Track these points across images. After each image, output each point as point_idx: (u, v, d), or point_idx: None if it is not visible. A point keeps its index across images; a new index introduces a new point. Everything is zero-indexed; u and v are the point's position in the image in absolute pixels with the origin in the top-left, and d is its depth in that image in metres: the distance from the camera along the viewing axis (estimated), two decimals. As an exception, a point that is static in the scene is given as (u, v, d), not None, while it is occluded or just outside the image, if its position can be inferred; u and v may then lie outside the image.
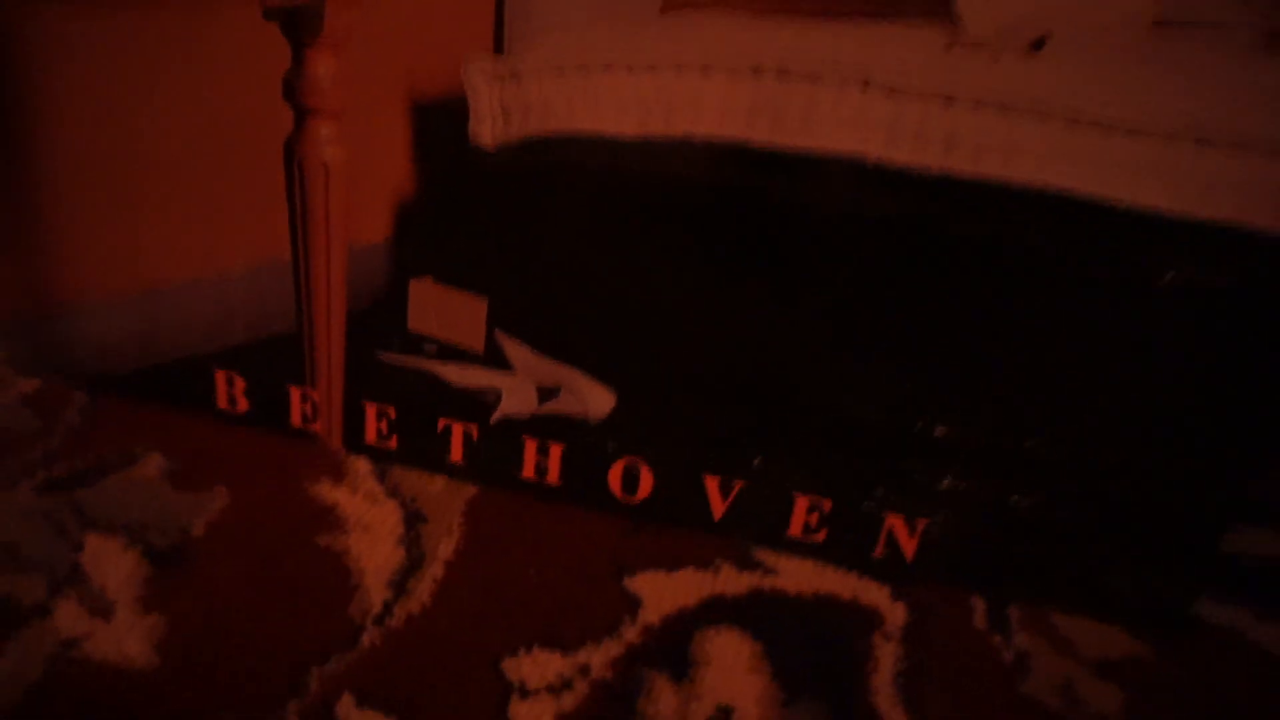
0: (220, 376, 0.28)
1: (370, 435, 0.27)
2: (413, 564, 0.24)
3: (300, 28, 0.23)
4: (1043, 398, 0.23)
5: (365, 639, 0.23)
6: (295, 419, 0.28)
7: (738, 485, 0.25)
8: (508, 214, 0.23)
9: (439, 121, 0.23)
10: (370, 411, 0.27)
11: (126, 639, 0.22)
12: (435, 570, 0.25)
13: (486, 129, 0.22)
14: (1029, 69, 0.20)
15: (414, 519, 0.26)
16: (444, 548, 0.25)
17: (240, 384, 0.28)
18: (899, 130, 0.21)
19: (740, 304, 0.23)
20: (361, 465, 0.27)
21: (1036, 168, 0.20)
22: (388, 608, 0.23)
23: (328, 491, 0.26)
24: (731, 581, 0.25)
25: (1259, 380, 0.21)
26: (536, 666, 0.22)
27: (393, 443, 0.27)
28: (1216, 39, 0.20)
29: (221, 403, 0.28)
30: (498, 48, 0.22)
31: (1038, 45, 0.20)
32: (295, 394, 0.27)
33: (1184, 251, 0.21)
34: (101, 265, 0.27)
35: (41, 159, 0.25)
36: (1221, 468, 0.23)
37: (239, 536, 0.25)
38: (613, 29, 0.21)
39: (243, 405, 0.28)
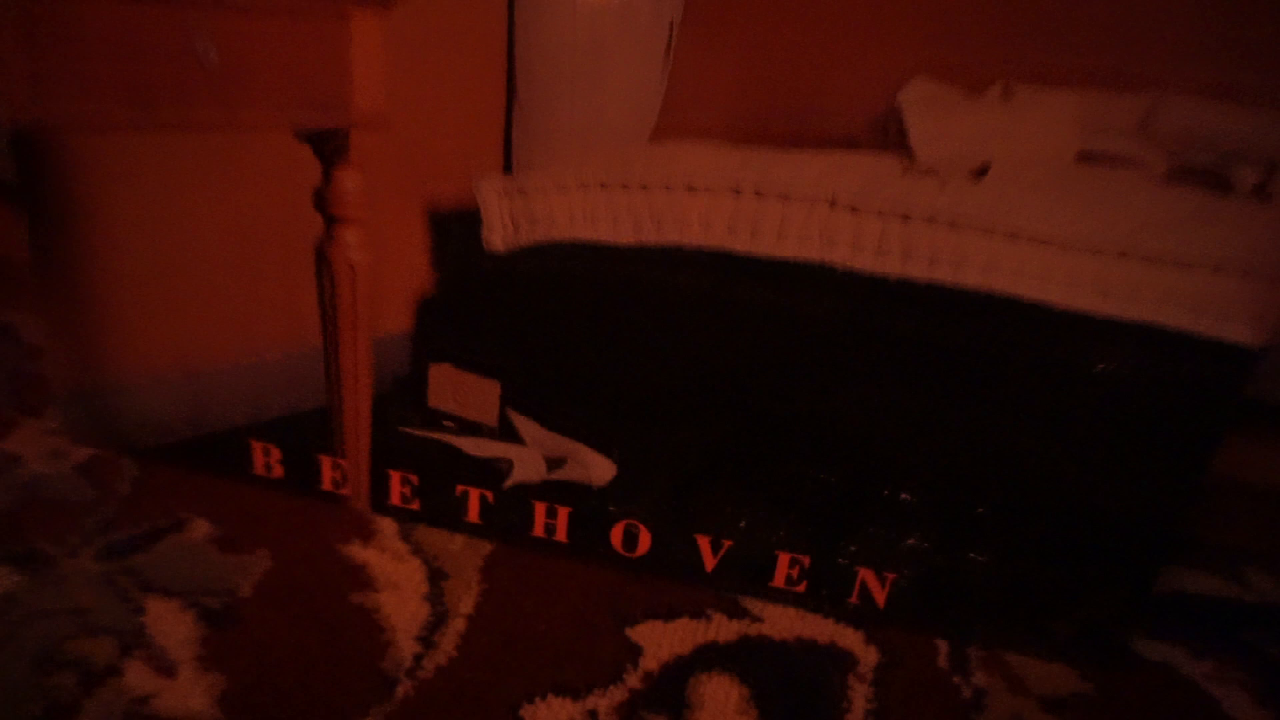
0: (257, 446, 0.30)
1: (395, 498, 0.30)
2: (437, 619, 0.27)
3: (329, 148, 0.26)
4: (994, 468, 0.25)
5: (399, 690, 0.25)
6: (326, 484, 0.30)
7: (726, 543, 0.28)
8: (517, 308, 0.26)
9: (454, 228, 0.26)
10: (395, 477, 0.30)
11: (191, 695, 0.25)
12: (458, 624, 0.27)
13: (498, 236, 0.25)
14: (973, 192, 0.23)
15: (437, 575, 0.29)
16: (464, 603, 0.28)
17: (276, 453, 0.31)
18: (862, 242, 0.23)
19: (724, 388, 0.26)
20: (388, 525, 0.30)
21: (983, 275, 0.23)
22: (418, 660, 0.26)
23: (358, 551, 0.29)
24: (722, 629, 0.28)
25: (1177, 447, 0.24)
26: (551, 713, 0.25)
27: (415, 505, 0.30)
28: (1129, 171, 0.23)
29: (258, 470, 0.31)
30: (506, 167, 0.25)
31: (980, 173, 0.23)
32: (326, 462, 0.30)
33: (1113, 346, 0.24)
34: (150, 349, 0.29)
35: (100, 256, 0.28)
36: (1149, 521, 0.25)
37: (282, 597, 0.28)
38: (608, 155, 0.24)
39: (278, 472, 0.31)
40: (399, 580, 0.28)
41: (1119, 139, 0.22)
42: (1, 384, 0.35)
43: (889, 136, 0.22)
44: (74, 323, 0.29)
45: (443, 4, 0.24)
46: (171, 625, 0.26)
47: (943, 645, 0.28)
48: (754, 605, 0.29)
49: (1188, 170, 0.22)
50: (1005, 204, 0.23)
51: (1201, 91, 0.21)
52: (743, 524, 0.27)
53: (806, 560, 0.28)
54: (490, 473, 0.29)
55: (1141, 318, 0.23)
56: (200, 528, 0.29)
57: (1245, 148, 0.21)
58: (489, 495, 0.29)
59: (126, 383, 0.30)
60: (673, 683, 0.26)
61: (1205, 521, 0.31)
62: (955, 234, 0.23)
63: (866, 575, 0.27)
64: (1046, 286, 0.23)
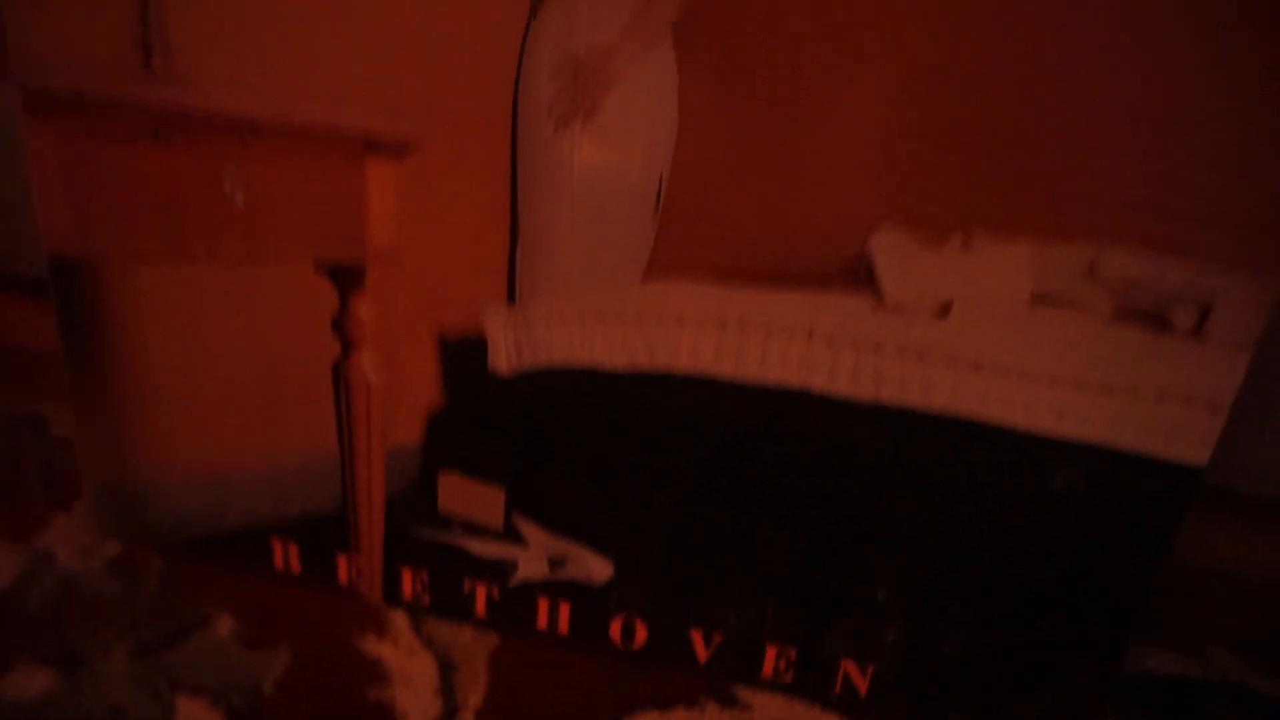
0: (277, 543, 0.32)
1: (407, 593, 0.32)
2: (448, 712, 0.29)
3: (346, 279, 0.28)
4: (966, 570, 0.27)
5: (412, 781, 0.27)
6: (343, 578, 0.32)
7: (718, 636, 0.30)
8: (520, 423, 0.28)
9: (462, 351, 0.28)
10: (407, 573, 0.31)
11: (219, 793, 0.26)
12: (467, 717, 0.29)
13: (503, 360, 0.27)
14: (938, 327, 0.25)
15: (447, 668, 0.30)
16: (473, 696, 0.30)
17: (295, 549, 0.32)
18: (838, 370, 0.25)
19: (713, 495, 0.28)
20: (400, 619, 0.32)
21: (949, 400, 0.25)
22: (430, 751, 0.28)
23: (373, 646, 0.31)
24: (715, 718, 0.30)
25: (1131, 549, 0.26)
26: (555, 804, 0.27)
27: (426, 599, 0.31)
28: (1078, 312, 0.25)
29: (278, 565, 0.32)
30: (510, 298, 0.27)
31: (943, 312, 0.25)
32: (342, 559, 0.32)
33: (1071, 462, 0.26)
34: (176, 451, 0.31)
35: (131, 358, 0.30)
36: (1112, 612, 0.27)
37: (303, 693, 0.29)
38: (604, 290, 0.26)
39: (296, 567, 0.32)
40: (412, 674, 0.30)
41: (1069, 283, 0.24)
42: (33, 477, 0.37)
43: (859, 277, 0.24)
44: (106, 429, 0.31)
45: (452, 154, 0.26)
46: (201, 724, 0.28)
47: (922, 731, 0.30)
48: (745, 694, 0.30)
49: (1131, 311, 0.24)
50: (968, 338, 0.25)
51: (1143, 242, 0.23)
52: (733, 619, 0.29)
53: (794, 652, 0.29)
54: (496, 571, 0.30)
55: (1095, 439, 0.25)
56: (225, 623, 0.31)
57: (1182, 292, 0.23)
58: (495, 591, 0.31)
59: (153, 481, 0.32)
60: (669, 772, 0.28)
61: (1170, 604, 0.32)
62: (922, 364, 0.25)
63: (849, 666, 0.29)
64: (1008, 411, 0.25)
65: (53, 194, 0.29)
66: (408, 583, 0.32)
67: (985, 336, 0.25)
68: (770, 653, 0.30)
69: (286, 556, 0.32)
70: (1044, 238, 0.23)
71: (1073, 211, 0.23)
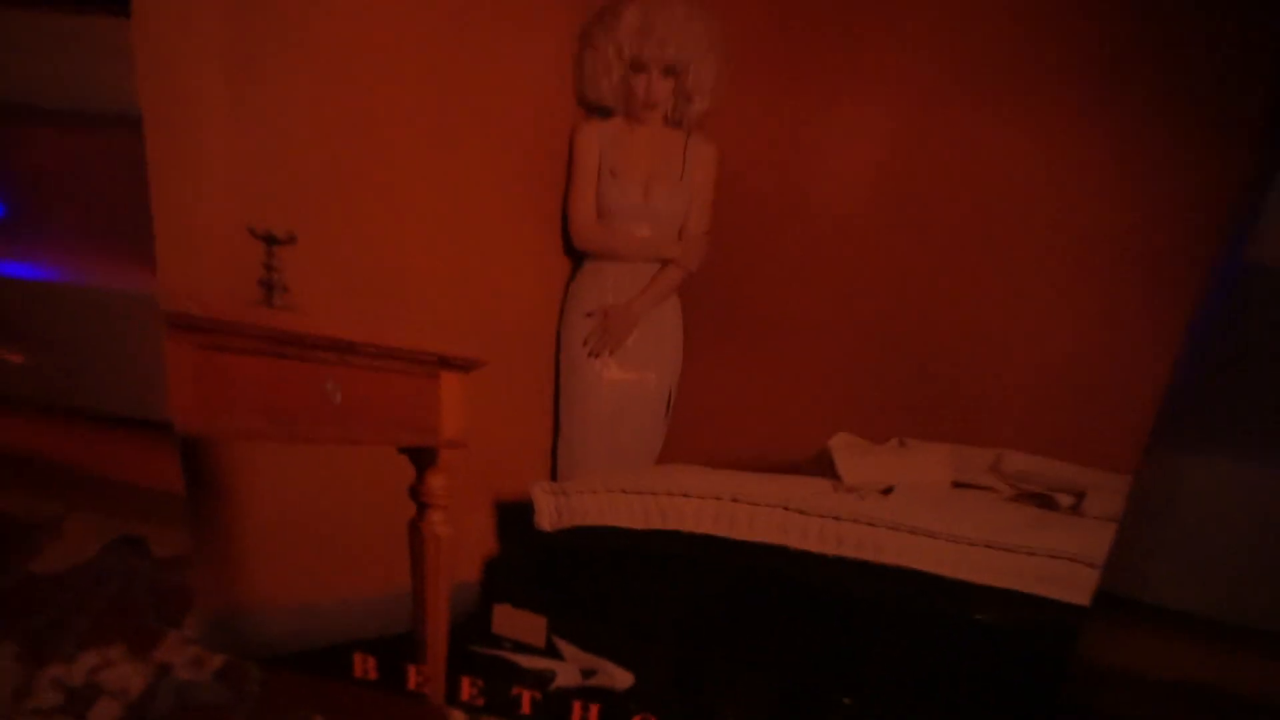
0: (358, 657, 0.39)
1: (465, 696, 0.38)
2: None
3: (422, 458, 0.35)
4: (910, 680, 0.34)
5: None
6: (412, 685, 0.39)
7: None
8: (560, 567, 0.35)
9: (513, 512, 0.35)
10: (465, 681, 0.38)
11: None
12: None
13: (546, 521, 0.34)
14: (883, 503, 0.32)
15: None
16: None
17: (372, 661, 0.39)
18: (808, 533, 0.32)
19: (713, 625, 0.35)
20: (459, 716, 0.39)
21: (896, 555, 0.32)
22: (489, 830, 0.35)
23: None
24: None
25: (1037, 668, 0.33)
26: None
27: (480, 702, 0.38)
28: (987, 493, 0.32)
29: (357, 674, 0.39)
30: (552, 475, 0.34)
31: (886, 492, 0.32)
32: (412, 669, 0.39)
33: (987, 602, 0.33)
34: (278, 583, 0.38)
35: (242, 513, 0.37)
36: (1027, 709, 0.35)
37: None
38: (627, 472, 0.33)
39: (374, 676, 0.39)
40: None
41: (979, 474, 0.31)
42: (143, 597, 0.43)
43: (823, 467, 0.32)
44: (216, 555, 0.38)
45: (511, 368, 0.33)
46: (308, 812, 0.35)
47: (883, 805, 0.37)
48: None
49: (1025, 495, 0.31)
50: (907, 511, 0.32)
51: (1032, 448, 0.30)
52: (729, 716, 0.36)
53: None
54: (538, 680, 0.37)
55: (1005, 585, 0.32)
56: None
57: (1063, 484, 0.31)
58: (538, 695, 0.38)
59: (256, 605, 0.39)
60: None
61: (1088, 698, 0.40)
62: (873, 530, 0.32)
63: None
64: (938, 564, 0.32)
65: (184, 390, 0.36)
66: (465, 688, 0.39)
67: (919, 510, 0.32)
68: None
69: (366, 667, 0.39)
70: (960, 442, 0.31)
71: (982, 426, 0.31)
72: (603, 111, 0.29)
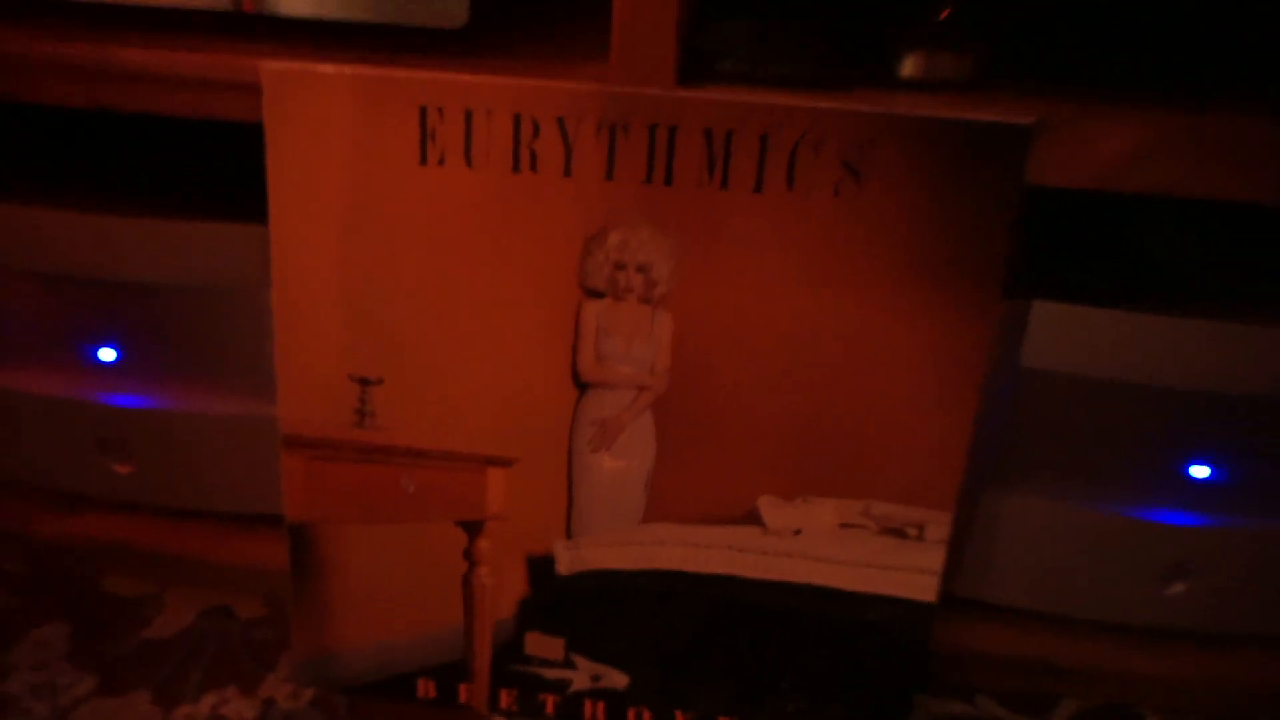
0: (421, 681, 0.52)
1: (503, 704, 0.51)
2: None
3: (473, 528, 0.48)
4: (826, 670, 0.49)
5: (525, 816, 0.47)
6: (462, 699, 0.52)
7: (692, 715, 0.51)
8: (575, 602, 0.49)
9: (540, 563, 0.48)
10: (503, 693, 0.51)
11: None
12: None
13: (564, 568, 0.48)
14: (796, 540, 0.47)
15: None
16: None
17: (432, 684, 0.52)
18: (747, 565, 0.47)
19: (686, 634, 0.49)
20: (498, 717, 0.52)
21: (807, 576, 0.46)
22: (531, 798, 0.47)
23: None
24: None
25: (908, 648, 0.48)
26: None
27: (515, 709, 0.51)
28: (862, 530, 0.47)
29: (420, 695, 0.52)
30: (567, 534, 0.48)
31: (797, 532, 0.47)
32: (463, 687, 0.52)
33: (875, 606, 0.48)
34: (356, 632, 0.51)
35: (326, 583, 0.50)
36: (898, 682, 0.49)
37: None
38: (619, 530, 0.48)
39: (433, 695, 0.52)
40: None
41: (856, 517, 0.46)
42: (239, 649, 0.55)
43: (753, 519, 0.46)
44: (308, 609, 0.51)
45: (538, 463, 0.47)
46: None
47: (811, 759, 0.51)
48: None
49: (886, 530, 0.46)
50: (811, 545, 0.47)
51: (888, 498, 0.46)
52: (701, 705, 0.50)
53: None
54: (559, 686, 0.51)
55: (880, 592, 0.47)
56: None
57: (909, 521, 0.46)
58: (558, 699, 0.51)
59: (340, 646, 0.52)
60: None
61: (951, 672, 0.55)
62: (790, 559, 0.47)
63: None
64: (836, 580, 0.47)
65: (295, 489, 0.49)
66: (504, 699, 0.52)
67: (819, 543, 0.47)
68: None
69: (427, 689, 0.52)
70: (842, 497, 0.46)
71: (855, 487, 0.46)
72: (598, 294, 0.43)
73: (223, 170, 0.59)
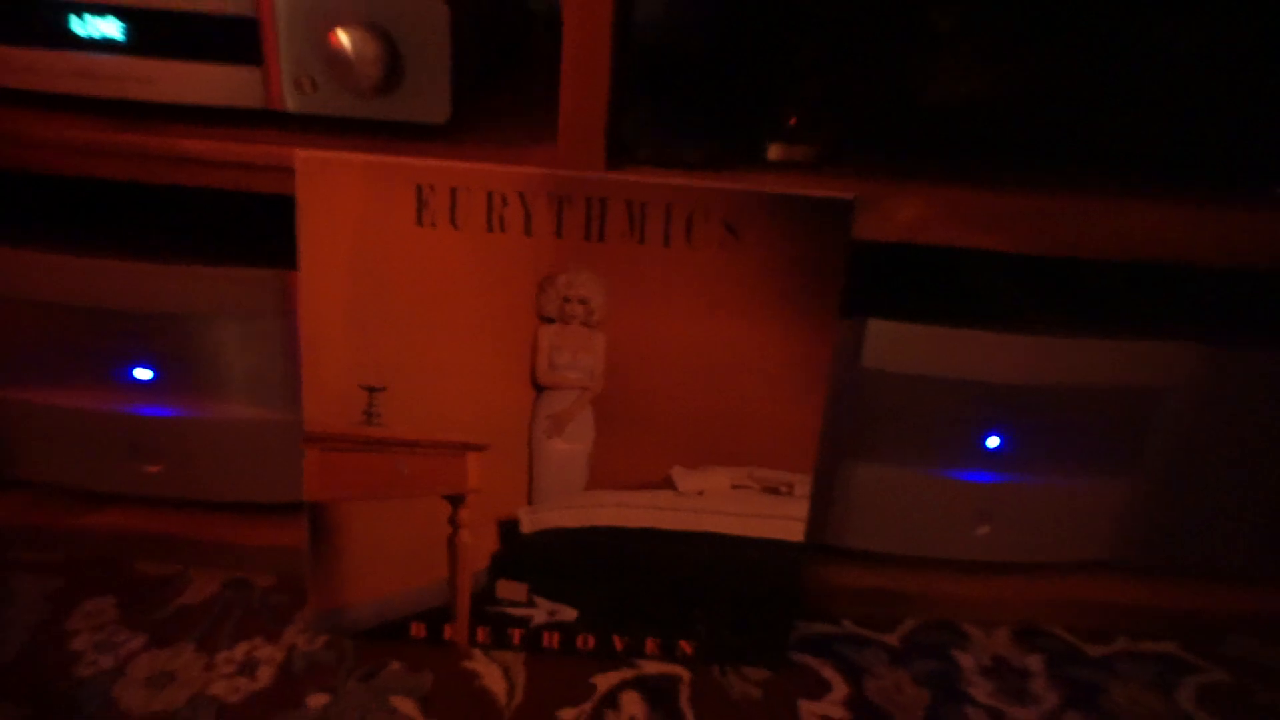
0: (414, 624, 0.66)
1: (480, 638, 0.65)
2: (510, 690, 0.63)
3: (456, 500, 0.63)
4: (724, 600, 0.65)
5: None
6: (447, 636, 0.66)
7: (626, 639, 0.66)
8: (535, 554, 0.63)
9: (508, 525, 0.63)
10: (480, 629, 0.66)
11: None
12: (518, 691, 0.63)
13: (526, 527, 0.62)
14: (701, 499, 0.62)
15: (505, 670, 0.64)
16: (519, 680, 0.64)
17: (423, 626, 0.66)
18: (665, 519, 0.63)
19: (623, 578, 0.65)
20: (478, 652, 0.65)
21: (711, 525, 0.63)
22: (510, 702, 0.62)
23: (467, 664, 0.65)
24: (625, 672, 0.65)
25: (785, 580, 0.64)
26: None
27: (489, 641, 0.66)
28: (751, 490, 0.64)
29: (414, 634, 0.66)
30: (529, 501, 0.63)
31: (700, 493, 0.63)
32: (447, 627, 0.66)
33: (760, 549, 0.64)
34: (362, 583, 0.64)
35: (337, 550, 0.63)
36: (778, 611, 0.65)
37: (438, 688, 0.63)
38: (568, 495, 0.63)
39: (424, 634, 0.66)
40: (487, 674, 0.64)
41: (744, 479, 0.62)
42: (260, 610, 0.68)
43: (669, 484, 0.62)
44: (322, 571, 0.64)
45: (507, 450, 0.61)
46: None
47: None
48: (640, 662, 0.66)
49: (766, 489, 0.62)
50: (712, 502, 0.63)
51: (771, 465, 0.62)
52: (631, 631, 0.65)
53: (654, 642, 0.66)
54: (523, 622, 0.65)
55: (764, 536, 0.63)
56: (394, 666, 0.64)
57: (781, 482, 0.62)
58: (522, 631, 0.65)
59: (349, 600, 0.65)
60: None
61: (823, 604, 0.71)
62: (697, 514, 0.63)
63: (680, 642, 0.66)
64: (731, 528, 0.63)
65: (313, 475, 0.62)
66: (481, 634, 0.66)
67: (718, 500, 0.63)
68: (649, 643, 0.66)
69: (419, 630, 0.65)
70: (732, 465, 0.62)
71: (741, 457, 0.62)
72: (550, 320, 0.59)
73: (241, 220, 0.72)
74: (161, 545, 0.72)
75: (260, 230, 0.68)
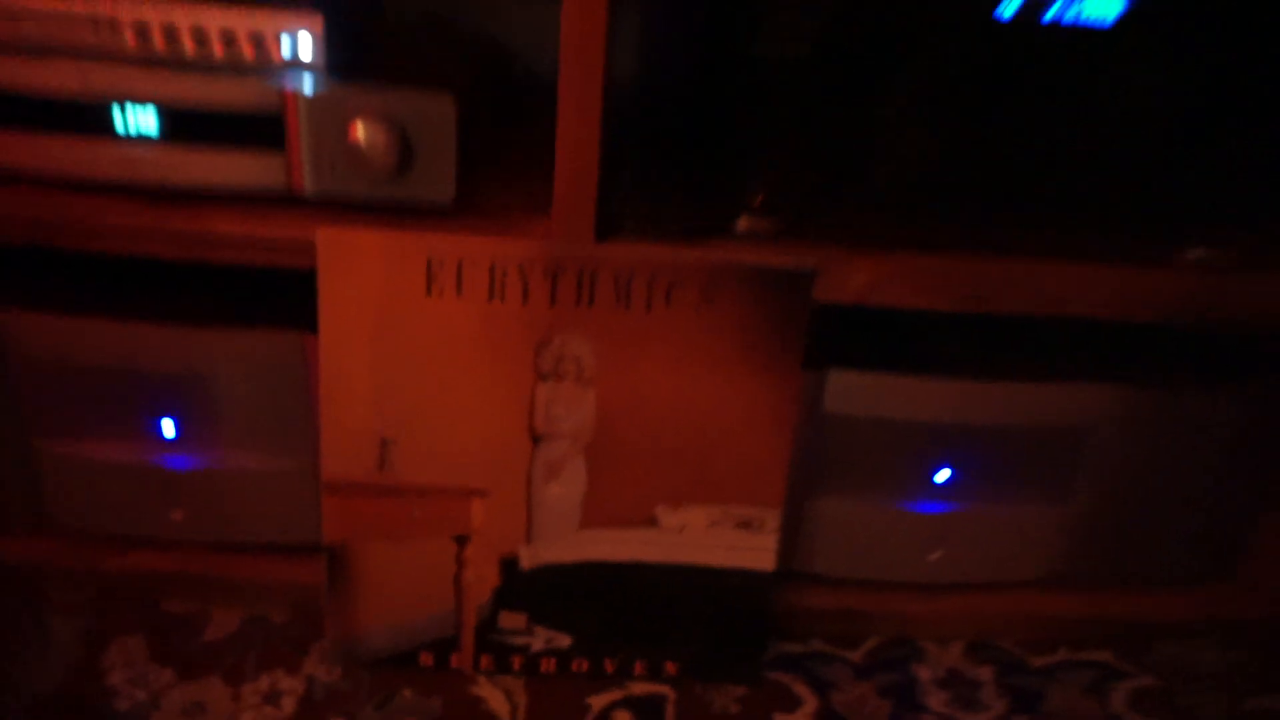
0: (423, 653, 0.72)
1: (484, 665, 0.72)
2: (513, 711, 0.69)
3: (462, 539, 0.69)
4: (707, 622, 0.72)
5: (505, 737, 0.67)
6: (454, 663, 0.72)
7: (616, 662, 0.73)
8: (534, 587, 0.70)
9: (509, 562, 0.69)
10: (485, 657, 0.72)
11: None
12: (520, 712, 0.70)
13: (526, 563, 0.69)
14: (683, 534, 0.70)
15: (508, 693, 0.71)
16: (521, 702, 0.70)
17: (432, 654, 0.72)
18: (653, 552, 0.70)
19: (614, 605, 0.72)
20: (483, 678, 0.72)
21: (691, 557, 0.70)
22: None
23: (472, 688, 0.71)
24: (618, 691, 0.72)
25: (756, 609, 0.72)
26: (564, 733, 0.68)
27: (492, 667, 0.72)
28: (725, 525, 0.71)
29: (423, 663, 0.72)
30: (528, 540, 0.69)
31: (681, 530, 0.70)
32: (454, 655, 0.72)
33: (739, 576, 0.71)
34: (377, 615, 0.70)
35: (352, 585, 0.69)
36: (754, 633, 0.72)
37: (447, 708, 0.69)
38: (563, 534, 0.70)
39: (432, 663, 0.72)
40: (491, 697, 0.70)
41: (719, 517, 0.69)
42: (279, 643, 0.74)
43: (656, 522, 0.69)
44: (339, 605, 0.70)
45: (508, 496, 0.68)
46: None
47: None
48: (630, 684, 0.73)
49: (740, 524, 0.69)
50: (694, 536, 0.70)
51: (739, 505, 0.69)
52: (620, 653, 0.72)
53: (641, 664, 0.72)
54: (523, 649, 0.72)
55: (741, 566, 0.70)
56: (407, 693, 0.70)
57: (754, 517, 0.69)
58: (522, 658, 0.72)
59: (363, 631, 0.71)
60: None
61: (795, 625, 0.78)
62: (679, 547, 0.70)
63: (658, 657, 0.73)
64: (712, 559, 0.70)
65: (332, 519, 0.69)
66: (484, 662, 0.72)
67: (699, 535, 0.70)
68: (638, 664, 0.72)
69: (428, 658, 0.72)
70: (713, 502, 0.69)
71: (718, 497, 0.69)
72: (546, 377, 0.66)
73: (260, 283, 0.78)
74: (186, 585, 0.78)
75: (276, 292, 0.75)
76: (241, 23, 0.64)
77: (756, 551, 0.71)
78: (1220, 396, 0.74)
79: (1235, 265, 0.67)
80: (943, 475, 0.77)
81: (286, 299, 0.71)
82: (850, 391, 0.73)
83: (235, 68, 0.65)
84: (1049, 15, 0.57)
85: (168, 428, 0.75)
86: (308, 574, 0.72)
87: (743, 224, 0.68)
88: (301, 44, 0.65)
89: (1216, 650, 0.81)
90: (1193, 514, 0.78)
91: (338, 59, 0.66)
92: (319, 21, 0.65)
